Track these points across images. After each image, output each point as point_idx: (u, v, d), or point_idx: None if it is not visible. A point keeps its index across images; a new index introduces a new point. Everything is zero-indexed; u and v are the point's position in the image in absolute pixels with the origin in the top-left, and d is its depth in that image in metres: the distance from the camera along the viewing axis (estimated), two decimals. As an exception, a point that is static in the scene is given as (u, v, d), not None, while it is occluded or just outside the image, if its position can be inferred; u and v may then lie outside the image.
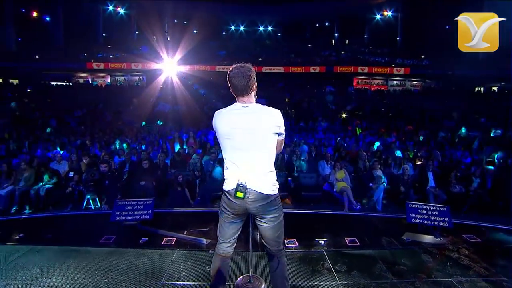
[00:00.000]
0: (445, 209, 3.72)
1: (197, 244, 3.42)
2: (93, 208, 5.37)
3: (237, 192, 1.91)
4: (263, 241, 2.12)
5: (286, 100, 20.53)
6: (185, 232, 3.65)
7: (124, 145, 9.49)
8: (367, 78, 25.67)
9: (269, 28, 31.19)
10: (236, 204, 1.97)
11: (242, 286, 2.47)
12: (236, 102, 2.01)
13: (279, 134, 1.97)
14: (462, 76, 20.04)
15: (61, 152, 8.34)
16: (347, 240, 3.40)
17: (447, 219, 3.63)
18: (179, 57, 23.32)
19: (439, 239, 3.56)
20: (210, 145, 8.98)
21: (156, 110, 18.10)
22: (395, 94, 22.96)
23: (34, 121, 12.77)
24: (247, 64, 1.97)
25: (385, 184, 6.71)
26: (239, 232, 2.12)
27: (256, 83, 2.02)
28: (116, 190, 5.98)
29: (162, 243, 3.37)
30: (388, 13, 27.87)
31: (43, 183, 6.43)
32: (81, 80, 24.86)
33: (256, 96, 2.10)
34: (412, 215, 3.72)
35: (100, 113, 16.29)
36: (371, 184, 6.82)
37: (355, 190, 6.72)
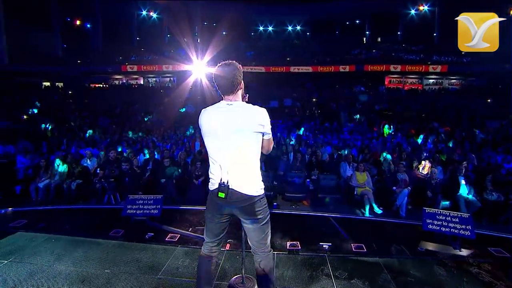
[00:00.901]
0: (467, 216, 3.39)
1: (199, 241, 3.45)
2: (113, 203, 5.65)
3: (219, 192, 1.88)
4: (248, 241, 2.07)
5: (314, 100, 20.17)
6: (190, 229, 3.71)
7: (150, 144, 9.88)
8: (400, 77, 24.38)
9: (298, 28, 30.85)
10: (219, 204, 1.95)
11: (235, 286, 2.45)
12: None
13: (263, 134, 1.92)
14: (507, 73, 18.29)
15: (92, 149, 8.89)
16: (353, 245, 3.23)
17: (469, 227, 3.30)
18: (208, 58, 23.91)
19: (458, 250, 3.24)
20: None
21: (184, 110, 18.71)
22: (431, 93, 21.53)
23: (73, 120, 13.79)
24: (233, 62, 1.93)
25: (409, 188, 6.32)
26: (224, 232, 2.10)
27: (243, 82, 1.98)
28: (137, 187, 6.23)
29: (166, 239, 3.45)
30: (424, 8, 26.25)
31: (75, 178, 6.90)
32: (116, 82, 26.37)
33: (247, 95, 2.05)
34: (428, 221, 3.42)
35: (132, 113, 17.17)
36: (394, 188, 6.45)
37: (378, 194, 6.41)
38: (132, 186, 6.04)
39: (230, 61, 1.93)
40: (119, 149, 8.79)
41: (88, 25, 25.81)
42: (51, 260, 3.01)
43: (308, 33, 31.08)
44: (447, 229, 3.35)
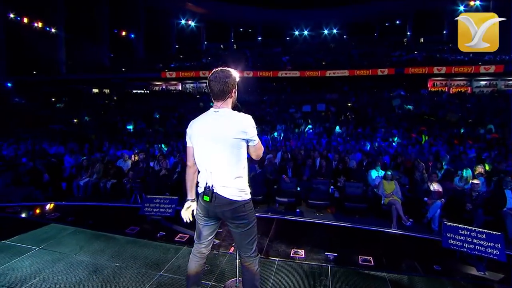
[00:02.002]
0: (497, 234, 3.02)
1: None
2: (139, 202, 6.01)
3: (204, 196, 1.95)
4: (235, 245, 2.10)
5: (349, 104, 19.52)
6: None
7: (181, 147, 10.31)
8: (445, 79, 22.57)
9: (334, 31, 30.15)
10: (205, 207, 2.01)
11: (230, 289, 2.48)
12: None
13: (248, 141, 1.94)
14: None
15: (128, 152, 9.53)
16: (360, 258, 3.06)
17: (499, 247, 2.93)
18: (243, 64, 24.45)
19: (482, 273, 2.88)
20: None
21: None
22: (482, 97, 19.54)
23: (115, 124, 14.94)
24: (228, 69, 1.98)
25: (443, 200, 5.82)
26: (213, 234, 2.15)
27: (235, 90, 2.02)
28: (164, 188, 6.53)
29: (176, 239, 3.59)
30: (475, 3, 24.01)
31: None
32: (156, 88, 28.01)
33: (237, 104, 2.09)
34: (449, 235, 3.10)
35: (167, 117, 18.08)
36: (426, 199, 6.00)
37: (408, 205, 6.01)
38: (158, 187, 6.36)
39: (227, 68, 1.99)
40: (151, 152, 9.33)
41: (132, 35, 27.91)
42: (73, 250, 3.33)
43: (345, 36, 30.23)
44: (470, 247, 3.01)
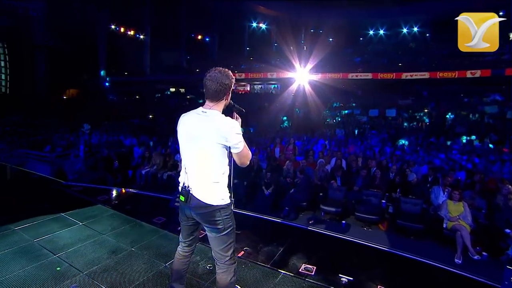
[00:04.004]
0: None
1: None
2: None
3: (181, 195, 1.94)
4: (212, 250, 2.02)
5: (425, 110, 17.28)
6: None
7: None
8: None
9: (415, 29, 26.98)
10: (182, 207, 2.00)
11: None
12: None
13: (229, 147, 1.86)
14: None
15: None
16: (378, 287, 2.59)
17: None
18: (312, 66, 23.92)
19: None
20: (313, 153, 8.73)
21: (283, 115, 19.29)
22: None
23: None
24: (227, 71, 1.95)
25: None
26: (194, 234, 2.13)
27: (229, 94, 1.96)
28: None
29: (193, 234, 3.65)
30: None
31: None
32: (225, 88, 29.49)
33: (234, 105, 2.06)
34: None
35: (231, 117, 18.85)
36: (508, 230, 4.85)
37: (480, 234, 4.98)
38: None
39: (225, 69, 1.96)
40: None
41: (207, 39, 30.07)
42: (105, 230, 3.76)
43: (427, 34, 26.78)
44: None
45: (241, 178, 6.98)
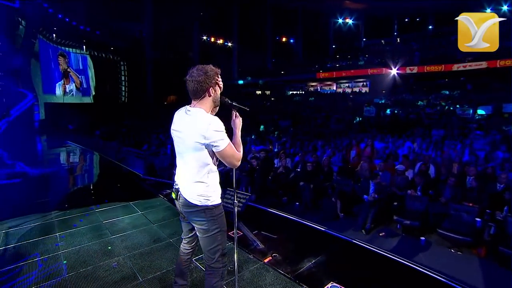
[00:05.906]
0: None
1: (250, 243, 3.42)
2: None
3: (172, 192, 2.01)
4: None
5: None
6: (255, 231, 3.67)
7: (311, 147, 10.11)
8: None
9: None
10: (175, 204, 2.03)
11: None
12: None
13: (208, 145, 1.77)
14: None
15: (264, 147, 10.32)
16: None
17: None
18: (406, 58, 21.20)
19: None
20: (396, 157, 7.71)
21: (364, 115, 17.82)
22: None
23: (263, 122, 16.70)
24: (206, 67, 1.85)
25: None
26: (192, 232, 2.11)
27: (212, 89, 1.85)
28: (277, 186, 6.65)
29: (228, 233, 3.58)
30: None
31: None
32: (311, 89, 28.93)
33: (226, 100, 1.97)
34: None
35: (313, 117, 18.36)
36: None
37: None
38: (263, 182, 6.57)
39: (204, 66, 1.87)
40: (275, 150, 9.72)
41: (292, 40, 30.15)
42: (155, 220, 4.17)
43: None
44: None
45: (308, 182, 6.63)
